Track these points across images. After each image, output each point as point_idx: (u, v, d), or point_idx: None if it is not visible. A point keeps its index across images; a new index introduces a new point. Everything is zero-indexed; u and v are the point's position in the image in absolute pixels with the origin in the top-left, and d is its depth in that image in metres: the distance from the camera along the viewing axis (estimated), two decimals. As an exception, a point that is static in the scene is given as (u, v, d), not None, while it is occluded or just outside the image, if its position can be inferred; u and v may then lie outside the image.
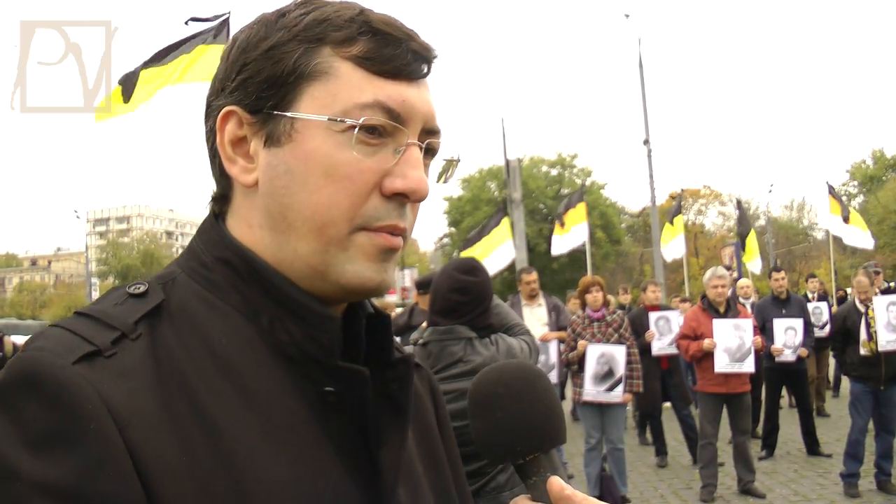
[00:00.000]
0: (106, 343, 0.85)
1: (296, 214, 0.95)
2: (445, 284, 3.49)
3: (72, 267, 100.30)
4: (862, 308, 8.00)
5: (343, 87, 0.93)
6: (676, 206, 23.25)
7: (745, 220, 20.90)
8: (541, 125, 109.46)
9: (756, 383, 9.22)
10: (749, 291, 12.13)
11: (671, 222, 22.09)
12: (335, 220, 0.94)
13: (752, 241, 20.61)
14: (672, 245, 21.43)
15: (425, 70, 0.99)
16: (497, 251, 15.84)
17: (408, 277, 42.27)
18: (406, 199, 0.96)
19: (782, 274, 10.18)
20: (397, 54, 0.95)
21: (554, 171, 59.15)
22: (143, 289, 0.94)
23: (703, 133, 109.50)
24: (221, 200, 1.04)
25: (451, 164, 1.10)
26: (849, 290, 13.43)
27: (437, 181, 1.12)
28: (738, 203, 26.77)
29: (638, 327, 9.95)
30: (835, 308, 12.55)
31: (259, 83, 0.95)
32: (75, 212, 68.24)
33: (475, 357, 3.35)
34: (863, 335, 7.81)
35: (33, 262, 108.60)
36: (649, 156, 22.99)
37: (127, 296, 0.93)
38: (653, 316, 10.07)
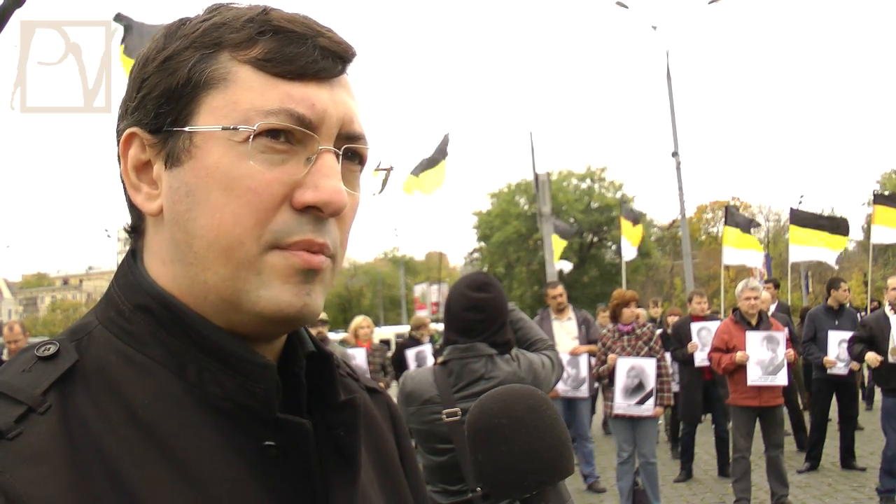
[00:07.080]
0: (8, 422, 0.74)
1: (200, 240, 0.84)
2: (459, 303, 3.43)
3: (103, 286, 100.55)
4: (893, 315, 7.91)
5: (243, 94, 0.84)
6: (744, 219, 20.92)
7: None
8: (569, 139, 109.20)
9: (789, 397, 9.15)
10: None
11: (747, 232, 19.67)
12: (241, 239, 0.83)
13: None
14: (739, 253, 19.08)
15: (339, 68, 0.89)
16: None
17: (436, 293, 42.38)
18: (319, 212, 0.85)
19: (848, 285, 10.10)
20: (301, 52, 0.85)
21: (584, 185, 59.06)
22: (52, 350, 0.82)
23: (733, 144, 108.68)
24: (136, 235, 0.94)
25: (386, 173, 1.00)
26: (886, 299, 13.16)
27: (374, 194, 1.04)
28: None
29: (682, 337, 9.95)
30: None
31: (156, 98, 0.86)
32: (106, 231, 68.85)
33: (497, 373, 3.33)
34: (892, 342, 7.72)
35: (65, 282, 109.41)
36: (678, 168, 22.92)
37: (35, 359, 0.82)
38: (695, 326, 9.97)
